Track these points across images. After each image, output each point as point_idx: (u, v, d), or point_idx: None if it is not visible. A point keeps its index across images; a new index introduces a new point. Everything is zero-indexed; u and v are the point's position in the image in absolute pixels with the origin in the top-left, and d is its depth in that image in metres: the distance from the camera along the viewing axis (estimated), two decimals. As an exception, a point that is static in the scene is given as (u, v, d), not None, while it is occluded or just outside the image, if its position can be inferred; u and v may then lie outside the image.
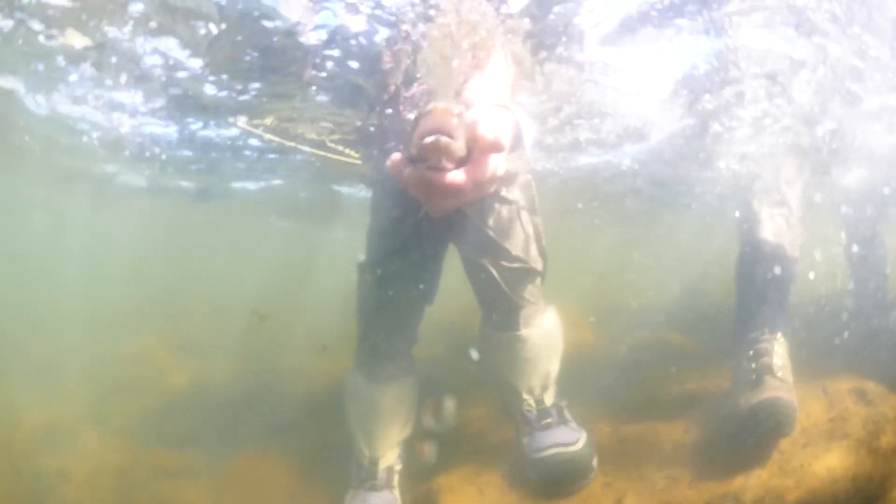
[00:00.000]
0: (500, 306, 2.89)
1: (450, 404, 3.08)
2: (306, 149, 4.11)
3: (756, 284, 3.04)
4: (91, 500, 3.19)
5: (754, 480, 2.85)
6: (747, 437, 2.88)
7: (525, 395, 2.97)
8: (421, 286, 2.93)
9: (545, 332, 2.95)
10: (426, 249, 2.85)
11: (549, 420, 2.94)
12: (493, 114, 1.49)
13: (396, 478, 3.14)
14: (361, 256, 2.98)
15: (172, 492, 3.29)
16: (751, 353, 2.93)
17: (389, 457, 3.09)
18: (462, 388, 3.62)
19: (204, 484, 3.33)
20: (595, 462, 2.95)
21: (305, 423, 3.71)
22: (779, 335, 2.96)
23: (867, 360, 3.15)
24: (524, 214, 2.77)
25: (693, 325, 3.93)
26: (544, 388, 2.99)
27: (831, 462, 2.89)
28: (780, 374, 2.91)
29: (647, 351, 3.69)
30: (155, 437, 3.71)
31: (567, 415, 3.00)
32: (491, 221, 2.70)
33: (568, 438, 2.90)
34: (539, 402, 2.96)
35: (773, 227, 3.03)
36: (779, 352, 2.94)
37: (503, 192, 2.71)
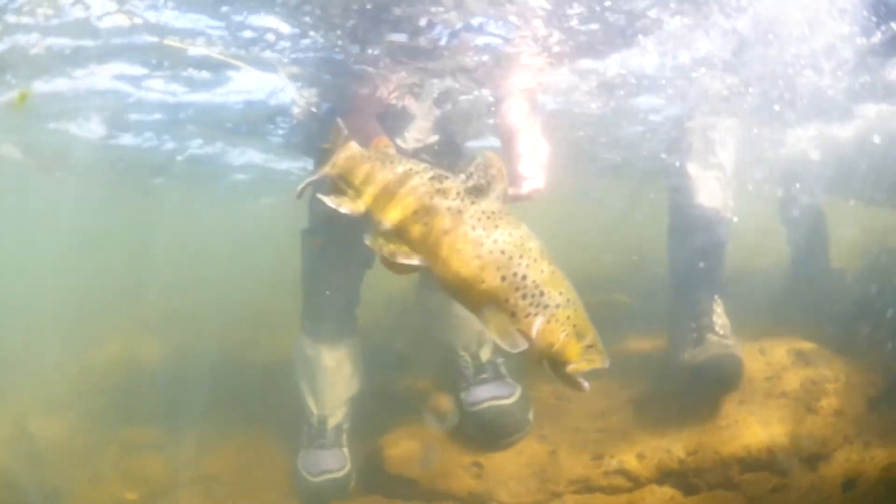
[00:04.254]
0: None
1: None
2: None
3: (691, 247, 2.96)
4: (63, 478, 3.23)
5: (688, 433, 2.82)
6: (692, 392, 2.80)
7: (461, 352, 3.02)
8: (359, 250, 3.01)
9: None
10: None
11: (484, 375, 2.95)
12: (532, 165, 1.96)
13: (345, 436, 3.11)
14: (305, 224, 3.06)
15: (138, 465, 3.35)
16: (690, 313, 2.86)
17: (337, 415, 3.10)
18: (409, 351, 3.63)
19: (167, 456, 3.39)
20: (531, 415, 2.91)
21: (264, 392, 3.73)
22: (716, 296, 2.89)
23: (807, 323, 3.14)
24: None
25: (640, 287, 3.93)
26: (480, 345, 3.02)
27: (768, 419, 2.82)
28: (721, 332, 2.88)
29: (594, 313, 3.66)
30: (122, 416, 3.75)
31: (503, 370, 3.00)
32: None
33: (503, 392, 2.90)
34: (475, 358, 3.01)
35: (707, 190, 2.97)
36: (717, 311, 2.85)
37: (430, 159, 2.80)
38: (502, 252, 1.50)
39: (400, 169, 1.66)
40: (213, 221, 10.44)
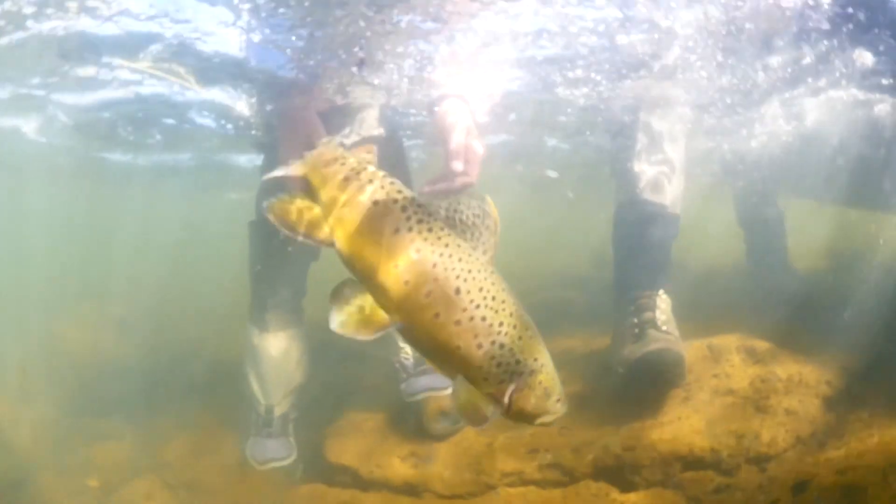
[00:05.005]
0: None
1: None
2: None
3: (635, 242, 2.89)
4: (29, 467, 3.33)
5: (627, 429, 2.73)
6: (632, 388, 2.71)
7: (401, 344, 3.01)
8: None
9: None
10: None
11: (424, 367, 2.93)
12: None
13: (292, 426, 3.13)
14: (253, 217, 3.09)
15: (101, 454, 3.44)
16: (632, 308, 2.77)
17: (284, 405, 3.11)
18: (355, 345, 3.64)
19: (128, 445, 3.48)
20: None
21: (221, 383, 3.80)
22: (660, 292, 2.80)
23: (762, 323, 3.01)
24: (392, 174, 2.89)
25: (599, 285, 3.86)
26: None
27: (713, 416, 2.71)
28: (664, 327, 2.79)
29: (546, 310, 3.63)
30: (86, 407, 3.86)
31: None
32: None
33: (441, 383, 2.86)
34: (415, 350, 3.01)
35: (654, 186, 2.90)
36: (661, 307, 2.76)
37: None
38: (483, 319, 1.36)
39: (378, 196, 1.44)
40: (179, 215, 10.19)
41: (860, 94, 3.06)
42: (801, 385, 2.76)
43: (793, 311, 2.99)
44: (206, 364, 3.91)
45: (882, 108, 3.11)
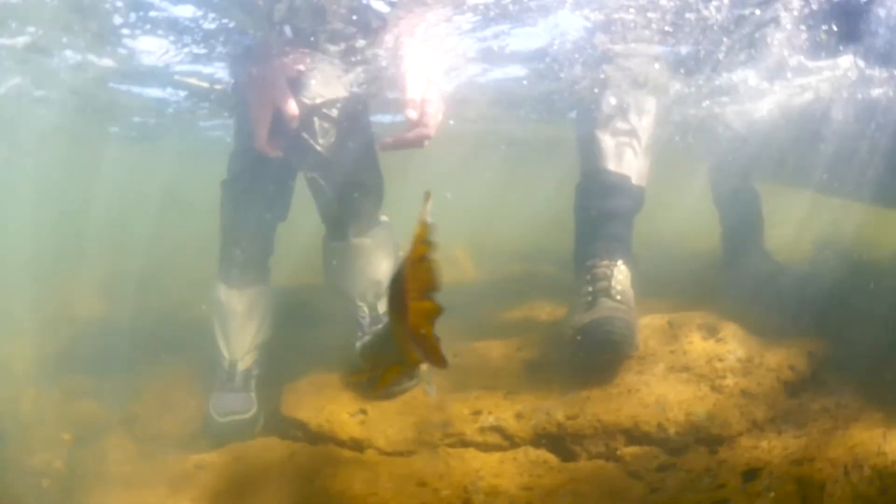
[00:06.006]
0: (331, 217, 3.08)
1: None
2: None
3: (596, 213, 2.83)
4: (9, 422, 3.46)
5: (573, 398, 2.66)
6: (582, 355, 2.64)
7: (359, 302, 3.05)
8: (271, 202, 3.16)
9: (375, 242, 3.06)
10: (274, 170, 3.05)
11: (380, 326, 2.94)
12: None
13: (254, 382, 3.19)
14: (225, 176, 3.20)
15: (75, 409, 3.56)
16: (588, 277, 2.72)
17: (247, 360, 3.19)
18: (322, 308, 3.67)
19: (100, 400, 3.59)
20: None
21: (196, 341, 3.90)
22: (619, 263, 2.73)
23: (728, 302, 2.89)
24: (353, 134, 2.94)
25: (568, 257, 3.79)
26: (377, 297, 3.04)
27: (664, 392, 2.59)
28: (618, 297, 2.72)
29: (516, 282, 3.60)
30: (67, 366, 3.97)
31: None
32: (321, 140, 2.89)
33: None
34: (372, 308, 3.03)
35: (617, 156, 2.83)
36: (618, 277, 2.67)
37: (331, 113, 2.89)
38: None
39: None
40: (162, 179, 10.12)
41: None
42: (762, 368, 2.64)
43: (762, 293, 2.87)
44: (186, 324, 4.01)
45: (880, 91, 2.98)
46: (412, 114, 2.35)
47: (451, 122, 2.66)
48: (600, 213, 2.81)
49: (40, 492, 3.08)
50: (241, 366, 3.17)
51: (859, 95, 3.04)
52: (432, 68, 2.36)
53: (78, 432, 3.45)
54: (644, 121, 2.89)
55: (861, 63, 2.91)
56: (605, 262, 2.72)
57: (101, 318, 4.93)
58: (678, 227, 2.95)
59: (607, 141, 2.85)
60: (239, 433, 3.05)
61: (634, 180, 2.84)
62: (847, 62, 2.93)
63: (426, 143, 2.41)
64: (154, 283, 5.30)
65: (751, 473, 2.48)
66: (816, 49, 2.78)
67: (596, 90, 3.04)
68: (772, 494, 2.38)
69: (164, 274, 5.40)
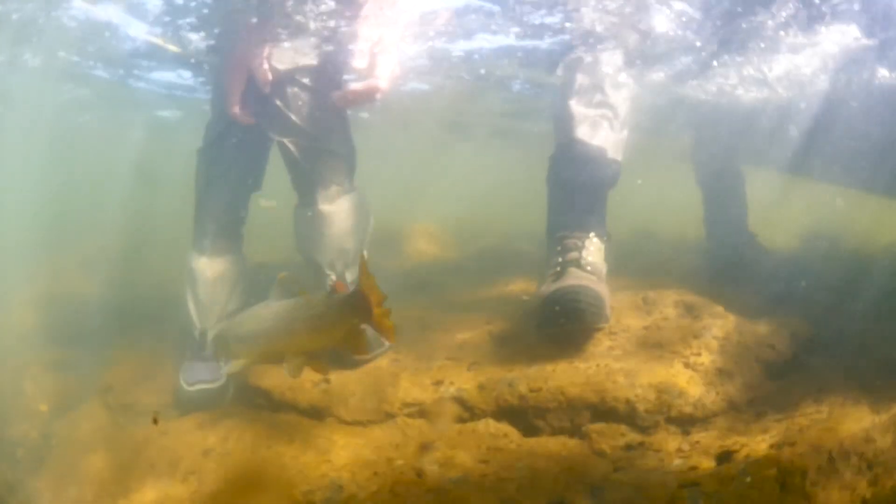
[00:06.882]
0: (302, 184, 3.05)
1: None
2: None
3: (569, 185, 2.73)
4: None
5: (537, 370, 2.53)
6: (546, 325, 2.53)
7: (327, 270, 2.99)
8: (244, 171, 3.15)
9: (345, 210, 3.01)
10: (248, 138, 3.05)
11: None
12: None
13: None
14: (200, 144, 3.20)
15: (53, 381, 3.60)
16: (558, 248, 2.62)
17: (217, 329, 3.19)
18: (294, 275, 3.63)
19: (78, 372, 3.61)
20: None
21: (174, 313, 3.91)
22: (591, 235, 2.63)
23: (707, 281, 2.73)
24: (325, 101, 2.90)
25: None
26: (346, 266, 2.98)
27: (635, 368, 2.45)
28: (588, 268, 2.60)
29: (496, 260, 3.48)
30: (48, 340, 4.01)
31: None
32: (293, 106, 2.88)
33: None
34: (341, 277, 2.98)
35: (592, 129, 2.74)
36: (590, 249, 2.56)
37: (305, 81, 2.88)
38: None
39: None
40: (150, 153, 9.96)
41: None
42: (740, 346, 2.48)
43: (743, 274, 2.72)
44: (166, 296, 4.01)
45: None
46: (360, 63, 2.30)
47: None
48: (574, 184, 2.72)
49: (14, 461, 3.08)
50: (212, 334, 3.13)
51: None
52: (391, 26, 2.31)
53: (55, 403, 3.47)
54: (621, 95, 2.80)
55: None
56: (577, 234, 2.62)
57: (83, 293, 4.98)
58: (665, 215, 2.84)
59: (582, 112, 2.76)
60: (208, 402, 3.00)
61: (610, 153, 2.74)
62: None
63: (378, 95, 2.36)
64: (140, 254, 5.33)
65: (725, 455, 2.31)
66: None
67: (572, 64, 2.95)
68: (748, 479, 2.20)
69: (153, 244, 5.44)
